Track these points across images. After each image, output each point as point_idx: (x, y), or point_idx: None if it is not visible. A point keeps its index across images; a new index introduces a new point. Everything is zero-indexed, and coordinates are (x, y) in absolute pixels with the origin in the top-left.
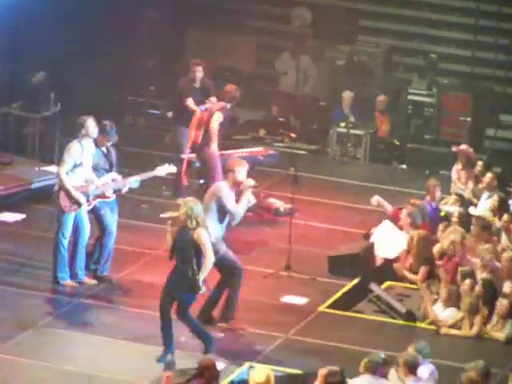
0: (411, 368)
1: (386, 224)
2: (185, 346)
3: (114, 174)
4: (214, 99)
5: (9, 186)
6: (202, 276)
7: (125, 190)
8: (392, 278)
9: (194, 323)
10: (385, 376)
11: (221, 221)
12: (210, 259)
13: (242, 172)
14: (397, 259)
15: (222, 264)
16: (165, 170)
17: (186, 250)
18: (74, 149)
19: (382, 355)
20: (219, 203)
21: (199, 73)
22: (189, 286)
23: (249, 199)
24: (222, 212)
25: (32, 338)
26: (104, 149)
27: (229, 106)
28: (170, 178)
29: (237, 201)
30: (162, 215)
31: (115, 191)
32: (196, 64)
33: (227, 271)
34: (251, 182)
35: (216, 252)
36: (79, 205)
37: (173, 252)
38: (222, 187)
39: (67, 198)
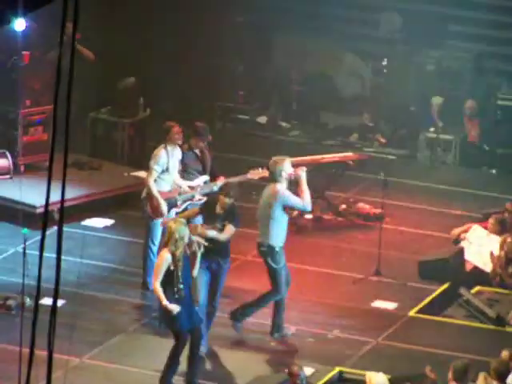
0: (499, 375)
1: (477, 229)
2: (275, 350)
3: (206, 177)
4: None
5: (98, 192)
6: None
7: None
8: (482, 283)
9: None
10: (473, 381)
11: (285, 225)
12: None
13: (287, 165)
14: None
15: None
16: (258, 174)
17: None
18: (159, 155)
19: (468, 362)
20: (284, 204)
21: None
22: None
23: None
24: (285, 214)
25: (121, 343)
26: (197, 151)
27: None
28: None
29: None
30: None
31: (206, 194)
32: None
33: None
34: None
35: (278, 263)
36: (165, 211)
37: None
38: (281, 188)
39: (155, 205)
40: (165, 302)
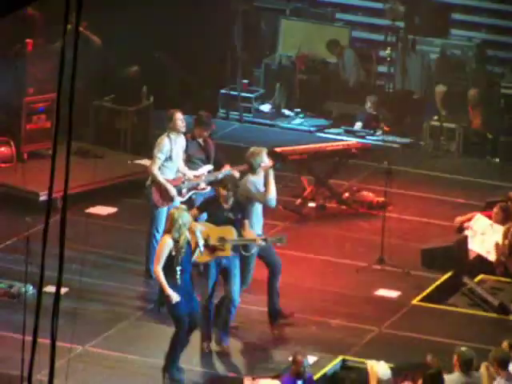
0: (501, 364)
1: (480, 218)
2: (278, 338)
3: (210, 166)
4: None
5: (101, 180)
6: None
7: None
8: (485, 272)
9: None
10: (476, 370)
11: (256, 215)
12: None
13: (264, 157)
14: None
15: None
16: None
17: None
18: (163, 143)
19: (471, 350)
20: (248, 196)
21: None
22: None
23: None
24: (255, 204)
25: (124, 331)
26: (201, 140)
27: None
28: None
29: None
30: None
31: (211, 183)
32: None
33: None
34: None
35: (248, 251)
36: (171, 199)
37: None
38: (248, 180)
39: (159, 193)
40: (167, 289)
